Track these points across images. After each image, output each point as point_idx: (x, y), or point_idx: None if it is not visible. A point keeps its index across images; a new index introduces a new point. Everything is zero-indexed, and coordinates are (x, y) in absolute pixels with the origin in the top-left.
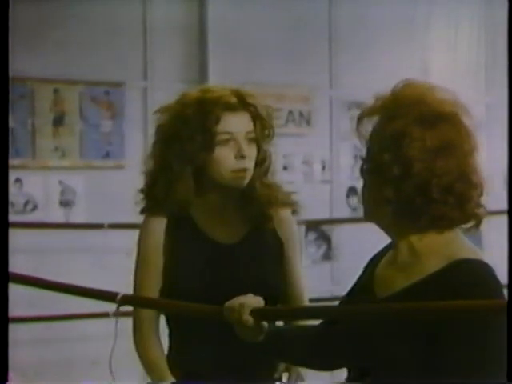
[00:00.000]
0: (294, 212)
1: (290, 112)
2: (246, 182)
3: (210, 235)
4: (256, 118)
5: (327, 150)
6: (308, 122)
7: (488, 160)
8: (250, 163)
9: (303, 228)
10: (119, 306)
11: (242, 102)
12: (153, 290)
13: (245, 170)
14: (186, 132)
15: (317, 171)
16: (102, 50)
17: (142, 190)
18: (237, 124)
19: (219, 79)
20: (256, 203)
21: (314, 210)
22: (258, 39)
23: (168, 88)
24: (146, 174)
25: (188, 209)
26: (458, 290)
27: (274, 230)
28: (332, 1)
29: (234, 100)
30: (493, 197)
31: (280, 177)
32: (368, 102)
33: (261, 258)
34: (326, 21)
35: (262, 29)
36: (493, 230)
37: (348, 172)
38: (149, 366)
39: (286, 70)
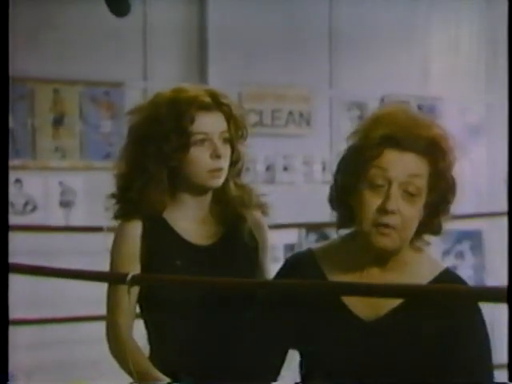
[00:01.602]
0: (264, 214)
1: (290, 112)
2: (221, 181)
3: (185, 237)
4: (230, 117)
5: (327, 151)
6: (308, 123)
7: (488, 160)
8: (225, 163)
9: (303, 230)
10: (130, 286)
11: (216, 102)
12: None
13: (220, 169)
14: (161, 132)
15: (317, 172)
16: (102, 51)
17: (113, 195)
18: (211, 124)
19: (219, 79)
20: (230, 204)
21: (315, 211)
22: (257, 39)
23: (168, 88)
24: (118, 177)
25: (162, 211)
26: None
27: (250, 230)
28: (332, 1)
29: (208, 100)
30: (493, 198)
31: (280, 177)
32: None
33: (237, 258)
34: (326, 21)
35: (262, 29)
36: (493, 230)
37: None
38: (136, 369)
39: (286, 71)
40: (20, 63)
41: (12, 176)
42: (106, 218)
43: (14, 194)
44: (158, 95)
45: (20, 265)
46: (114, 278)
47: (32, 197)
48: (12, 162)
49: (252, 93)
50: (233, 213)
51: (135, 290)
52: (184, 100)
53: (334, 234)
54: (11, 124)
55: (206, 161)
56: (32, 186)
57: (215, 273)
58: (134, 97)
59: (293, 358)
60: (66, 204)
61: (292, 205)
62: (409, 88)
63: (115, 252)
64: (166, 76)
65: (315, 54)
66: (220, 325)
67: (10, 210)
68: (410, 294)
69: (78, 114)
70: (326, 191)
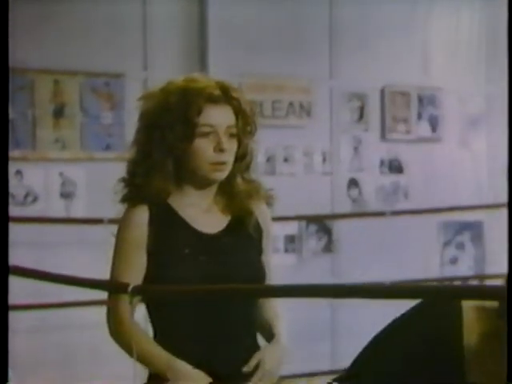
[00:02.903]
0: (268, 204)
1: (291, 103)
2: (224, 175)
3: (193, 224)
4: (239, 112)
5: (327, 142)
6: (308, 114)
7: (488, 151)
8: (229, 157)
9: (304, 221)
10: (132, 296)
11: (226, 95)
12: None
13: (223, 163)
14: (167, 121)
15: (317, 163)
16: (102, 41)
17: (123, 179)
18: (218, 117)
19: (219, 70)
20: (236, 197)
21: (315, 202)
22: (258, 30)
23: (168, 79)
24: (128, 162)
25: (166, 198)
26: None
27: (256, 220)
28: None
29: (217, 92)
30: (493, 189)
31: (280, 168)
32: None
33: (243, 247)
34: (327, 12)
35: (262, 20)
36: (494, 222)
37: (348, 163)
38: (141, 352)
39: (286, 62)
40: (20, 54)
41: (12, 167)
42: (107, 209)
43: (15, 186)
44: (169, 83)
45: (21, 268)
46: (115, 288)
47: (32, 188)
48: (12, 153)
49: (252, 84)
50: (238, 205)
51: (139, 279)
52: (193, 90)
53: (334, 225)
54: (11, 115)
55: (209, 153)
56: (32, 178)
57: (221, 261)
58: (134, 88)
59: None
60: (66, 195)
61: (292, 196)
62: (409, 79)
63: (121, 237)
64: (166, 67)
65: (315, 45)
66: (222, 309)
67: (11, 201)
68: (412, 294)
69: (78, 104)
70: (326, 182)
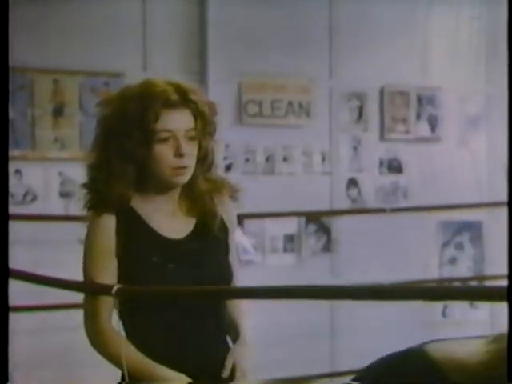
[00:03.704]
0: (233, 198)
1: (290, 103)
2: (187, 178)
3: (159, 231)
4: (197, 114)
5: (327, 142)
6: (307, 113)
7: (488, 150)
8: (190, 161)
9: (303, 220)
10: (116, 298)
11: (183, 99)
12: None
13: (184, 167)
14: (125, 127)
15: (316, 163)
16: (102, 41)
17: (84, 185)
18: (177, 121)
19: (219, 70)
20: (199, 199)
21: (314, 202)
22: (257, 30)
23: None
24: (88, 168)
25: (127, 204)
26: None
27: (221, 219)
28: None
29: (174, 96)
30: (493, 188)
31: (279, 168)
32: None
33: (210, 250)
34: (327, 11)
35: (262, 20)
36: (493, 222)
37: (348, 163)
38: (117, 356)
39: (286, 61)
40: (20, 53)
41: (12, 166)
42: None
43: (14, 185)
44: (126, 88)
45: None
46: (99, 290)
47: (32, 187)
48: (12, 153)
49: (252, 83)
50: (202, 207)
51: (113, 282)
52: (150, 96)
53: (333, 224)
54: (11, 114)
55: (170, 158)
56: (32, 177)
57: (189, 266)
58: None
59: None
60: (65, 194)
61: (291, 195)
62: (409, 78)
63: (90, 245)
64: (166, 67)
65: (315, 45)
66: (196, 315)
67: (10, 200)
68: (410, 295)
69: (77, 104)
70: (325, 182)
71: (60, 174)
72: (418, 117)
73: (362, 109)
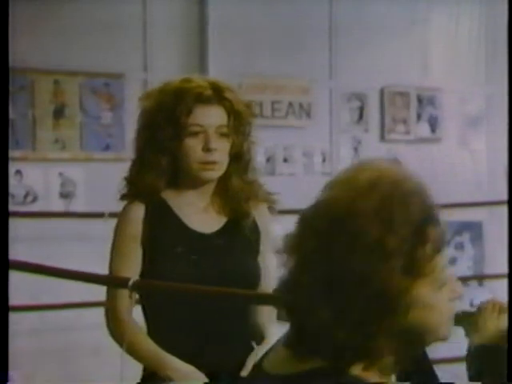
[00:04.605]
0: (270, 208)
1: (290, 104)
2: (216, 175)
3: (188, 224)
4: (231, 112)
5: (327, 142)
6: (308, 114)
7: (488, 151)
8: (219, 157)
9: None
10: (131, 291)
11: (218, 96)
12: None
13: (212, 162)
14: (159, 120)
15: (317, 163)
16: (102, 41)
17: (124, 178)
18: (208, 117)
19: (219, 70)
20: (233, 198)
21: None
22: (257, 30)
23: (166, 80)
24: (130, 161)
25: (157, 194)
26: None
27: (254, 222)
28: None
29: (208, 92)
30: (493, 189)
31: (280, 169)
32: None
33: (239, 248)
34: (327, 12)
35: (262, 20)
36: (493, 222)
37: (348, 164)
38: (139, 350)
39: (286, 62)
40: (20, 54)
41: (12, 167)
42: (106, 208)
43: (14, 185)
44: (166, 83)
45: (21, 262)
46: (116, 282)
47: (32, 188)
48: (12, 154)
49: (252, 84)
50: (234, 207)
51: (135, 274)
52: (185, 91)
53: None
54: (11, 115)
55: (198, 153)
56: (32, 177)
57: (213, 261)
58: (134, 88)
59: None
60: (66, 195)
61: (292, 196)
62: (409, 79)
63: (117, 232)
64: (166, 67)
65: (315, 45)
66: (216, 309)
67: (10, 201)
68: None
69: (78, 105)
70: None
71: (60, 174)
72: (419, 117)
73: (362, 109)
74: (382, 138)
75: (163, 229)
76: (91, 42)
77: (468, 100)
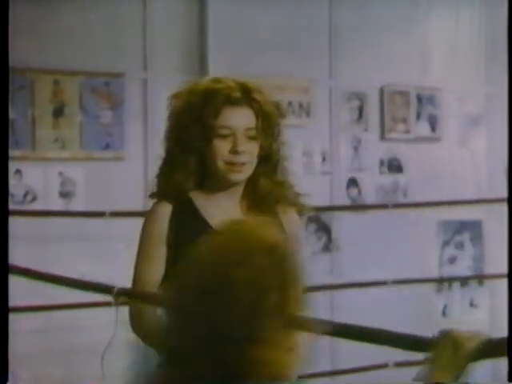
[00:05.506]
0: (299, 213)
1: (290, 103)
2: (243, 176)
3: (213, 225)
4: (259, 114)
5: (327, 141)
6: (308, 113)
7: (488, 151)
8: (247, 159)
9: (303, 219)
10: (116, 298)
11: (247, 97)
12: (154, 277)
13: (240, 164)
14: (187, 120)
15: (317, 162)
16: (102, 41)
17: (156, 176)
18: (237, 119)
19: (219, 70)
20: (261, 200)
21: (314, 202)
22: (257, 30)
23: (168, 79)
24: (161, 160)
25: (185, 194)
26: None
27: (280, 225)
28: None
29: (237, 94)
30: (493, 188)
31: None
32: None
33: None
34: (326, 12)
35: (262, 20)
36: (493, 221)
37: (348, 163)
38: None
39: (286, 62)
40: (20, 54)
41: (12, 167)
42: (106, 208)
43: (14, 185)
44: (195, 84)
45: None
46: (101, 289)
47: (32, 187)
48: (12, 153)
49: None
50: (261, 207)
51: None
52: (213, 92)
53: (333, 224)
54: (11, 115)
55: (226, 154)
56: (32, 177)
57: None
58: (134, 87)
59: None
60: (65, 194)
61: None
62: (408, 78)
63: (144, 230)
64: (166, 67)
65: (315, 45)
66: None
67: (10, 200)
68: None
69: (77, 104)
70: (326, 182)
71: (60, 174)
72: (418, 116)
73: (362, 109)
74: (382, 137)
75: (188, 229)
76: (91, 41)
77: (468, 99)
